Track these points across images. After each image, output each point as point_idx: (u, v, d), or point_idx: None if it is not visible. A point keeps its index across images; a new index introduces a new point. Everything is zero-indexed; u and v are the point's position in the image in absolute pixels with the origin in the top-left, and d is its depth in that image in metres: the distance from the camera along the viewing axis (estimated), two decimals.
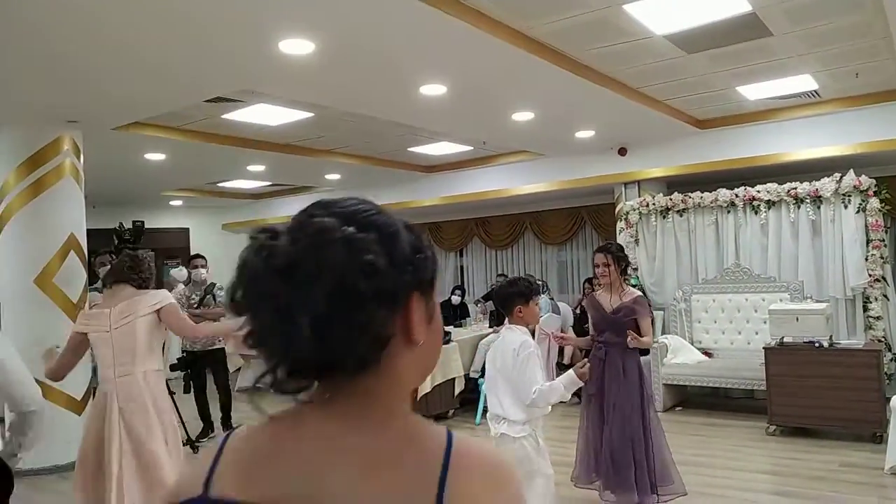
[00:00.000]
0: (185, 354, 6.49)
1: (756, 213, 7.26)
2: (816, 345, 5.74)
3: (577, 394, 3.88)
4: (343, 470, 0.72)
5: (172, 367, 6.38)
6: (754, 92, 6.34)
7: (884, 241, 6.61)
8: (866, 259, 6.57)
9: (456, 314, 9.24)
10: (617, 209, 8.49)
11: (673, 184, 8.33)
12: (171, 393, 5.25)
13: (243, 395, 8.48)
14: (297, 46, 4.25)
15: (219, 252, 10.79)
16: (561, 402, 3.29)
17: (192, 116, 6.25)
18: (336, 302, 0.71)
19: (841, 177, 6.76)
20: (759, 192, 7.20)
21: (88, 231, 6.12)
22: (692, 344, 7.29)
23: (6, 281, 5.70)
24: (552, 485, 3.26)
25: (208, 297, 6.49)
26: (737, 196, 7.34)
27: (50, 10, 3.59)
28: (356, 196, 0.81)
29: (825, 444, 5.51)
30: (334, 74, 4.89)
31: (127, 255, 3.54)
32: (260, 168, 8.82)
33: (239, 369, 8.93)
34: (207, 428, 6.54)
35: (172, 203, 11.62)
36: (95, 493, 3.19)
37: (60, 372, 3.37)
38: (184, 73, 4.74)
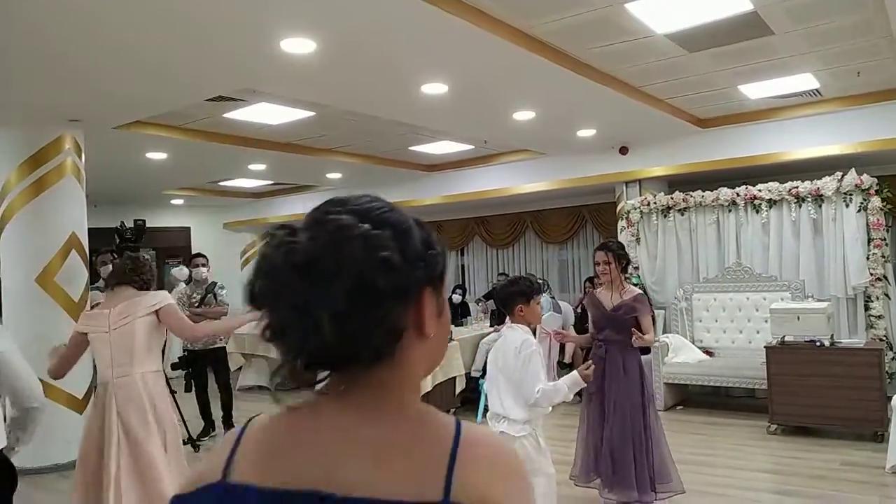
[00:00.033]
0: (186, 353, 6.49)
1: (757, 212, 7.26)
2: (818, 344, 5.74)
3: (578, 392, 3.87)
4: (357, 461, 0.74)
5: (174, 366, 6.39)
6: (756, 91, 6.33)
7: (885, 240, 6.60)
8: (867, 258, 6.56)
9: (457, 313, 9.24)
10: (618, 208, 8.49)
11: (674, 183, 8.32)
12: (173, 392, 5.28)
13: (244, 394, 8.51)
14: (298, 45, 4.25)
15: (220, 251, 10.83)
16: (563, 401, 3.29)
17: (194, 115, 6.26)
18: (355, 297, 0.73)
19: (842, 176, 6.75)
20: (760, 191, 7.20)
21: (90, 230, 6.12)
22: (693, 343, 7.29)
23: (8, 280, 5.71)
24: (553, 484, 3.25)
25: (209, 295, 6.49)
26: (738, 195, 7.33)
27: (50, 9, 3.59)
28: (368, 193, 0.83)
29: (826, 444, 5.51)
30: (335, 73, 4.89)
31: (128, 257, 3.56)
32: (261, 167, 8.83)
33: (240, 368, 8.95)
34: (208, 427, 6.55)
35: (174, 202, 11.62)
36: (94, 492, 3.20)
37: (61, 370, 3.40)
38: (185, 72, 4.74)
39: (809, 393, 5.66)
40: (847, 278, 6.65)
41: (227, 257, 11.64)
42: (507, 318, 3.37)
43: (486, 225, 11.27)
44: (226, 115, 6.26)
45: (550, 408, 3.25)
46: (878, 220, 6.55)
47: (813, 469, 4.94)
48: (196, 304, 6.39)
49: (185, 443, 5.09)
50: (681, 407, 6.98)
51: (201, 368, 6.52)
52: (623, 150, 8.15)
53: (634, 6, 4.17)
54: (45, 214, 5.72)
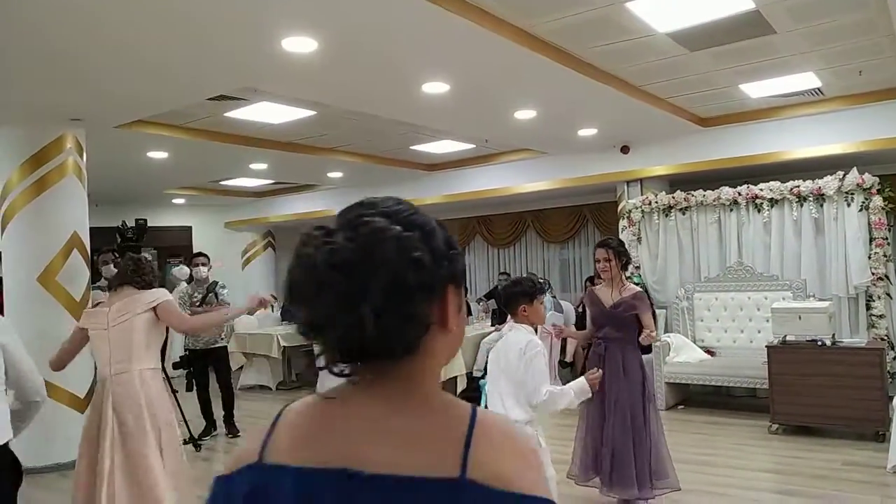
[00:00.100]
0: (187, 352, 6.50)
1: (759, 211, 7.25)
2: (819, 343, 5.74)
3: None
4: (385, 447, 0.80)
5: (175, 366, 6.40)
6: (757, 90, 6.32)
7: (887, 239, 6.59)
8: (869, 257, 6.56)
9: None
10: (619, 207, 8.48)
11: (675, 182, 8.31)
12: (174, 391, 5.28)
13: (245, 393, 8.51)
14: (299, 44, 4.25)
15: (221, 250, 10.83)
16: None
17: (195, 114, 6.26)
18: (391, 294, 0.79)
19: (844, 175, 6.74)
20: (761, 190, 7.19)
21: (91, 229, 6.13)
22: (694, 342, 7.28)
23: (10, 279, 5.72)
24: (554, 486, 3.25)
25: (210, 294, 6.49)
26: (739, 194, 7.33)
27: (51, 9, 3.60)
28: (393, 196, 0.89)
29: (828, 443, 5.50)
30: (337, 72, 4.89)
31: (130, 258, 3.58)
32: (262, 166, 8.83)
33: (241, 367, 8.96)
34: (210, 426, 6.56)
35: (175, 201, 11.63)
36: (89, 489, 3.21)
37: (61, 363, 3.46)
38: (186, 72, 4.74)
39: (811, 392, 5.66)
40: (849, 278, 6.65)
41: (228, 256, 11.65)
42: (509, 317, 3.37)
43: (487, 224, 11.27)
44: (227, 115, 6.26)
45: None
46: (880, 219, 6.55)
47: (814, 469, 4.93)
48: (197, 304, 6.39)
49: (186, 442, 5.10)
50: (682, 406, 6.98)
51: (202, 368, 6.53)
52: (624, 150, 8.15)
53: (635, 5, 4.17)
54: (46, 214, 5.72)
